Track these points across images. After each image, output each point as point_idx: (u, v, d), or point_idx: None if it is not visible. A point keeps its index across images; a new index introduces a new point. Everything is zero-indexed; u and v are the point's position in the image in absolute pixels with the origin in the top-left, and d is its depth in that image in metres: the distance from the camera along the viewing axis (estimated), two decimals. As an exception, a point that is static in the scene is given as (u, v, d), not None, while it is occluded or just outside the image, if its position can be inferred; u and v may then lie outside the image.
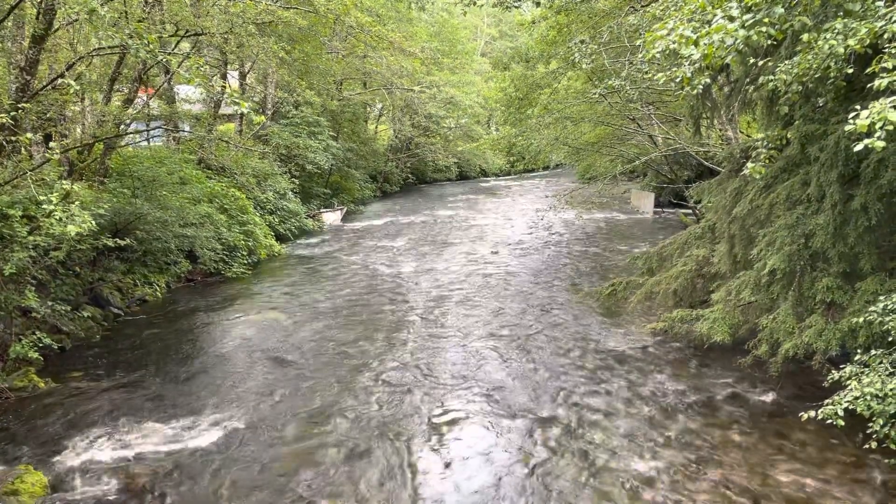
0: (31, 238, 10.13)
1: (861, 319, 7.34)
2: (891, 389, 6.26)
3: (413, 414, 9.73)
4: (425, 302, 16.22)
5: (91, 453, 8.60)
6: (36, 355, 10.71)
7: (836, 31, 6.23)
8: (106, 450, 8.70)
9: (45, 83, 12.83)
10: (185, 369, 11.79)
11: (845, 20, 6.27)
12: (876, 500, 7.21)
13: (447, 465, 8.23)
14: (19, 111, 10.17)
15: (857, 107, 5.44)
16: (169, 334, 13.93)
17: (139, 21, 12.58)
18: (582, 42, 15.56)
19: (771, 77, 7.27)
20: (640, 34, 12.52)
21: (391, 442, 8.85)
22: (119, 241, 12.88)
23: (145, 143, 21.59)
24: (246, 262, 20.18)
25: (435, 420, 9.52)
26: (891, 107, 5.13)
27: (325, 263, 21.73)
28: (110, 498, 7.62)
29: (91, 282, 14.77)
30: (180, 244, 17.62)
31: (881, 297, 7.24)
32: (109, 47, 12.36)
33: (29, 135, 9.56)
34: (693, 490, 7.51)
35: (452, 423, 9.44)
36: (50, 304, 11.87)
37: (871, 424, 6.45)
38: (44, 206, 9.14)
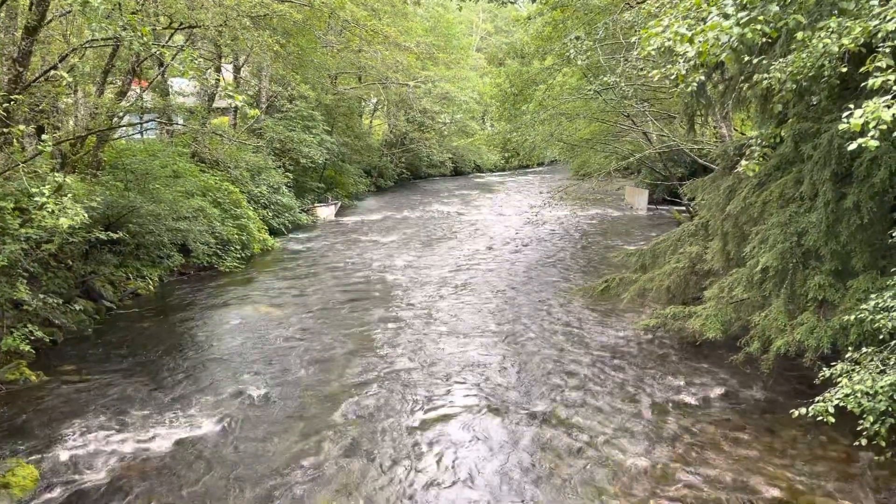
0: (22, 230, 10.08)
1: (852, 317, 7.37)
2: (881, 387, 6.29)
3: (406, 406, 9.74)
4: (418, 297, 16.22)
5: (83, 446, 8.58)
6: (27, 348, 10.66)
7: (831, 29, 6.24)
8: (98, 443, 8.68)
9: (37, 75, 12.74)
10: (178, 362, 11.77)
11: (840, 19, 6.28)
12: (865, 496, 7.26)
13: (439, 455, 8.25)
14: (11, 103, 10.10)
15: (851, 105, 5.45)
16: (162, 328, 13.90)
17: (133, 13, 12.48)
18: (577, 38, 15.59)
19: (765, 75, 7.28)
20: (636, 31, 12.54)
21: (386, 432, 8.86)
22: (111, 234, 12.82)
23: (138, 135, 21.50)
24: (239, 255, 20.13)
25: (427, 414, 9.53)
26: (884, 106, 5.15)
27: (318, 258, 21.69)
28: (102, 491, 7.61)
29: (83, 275, 14.70)
30: (173, 237, 17.56)
31: (872, 295, 7.27)
32: (103, 39, 12.24)
33: (21, 126, 9.51)
34: (683, 485, 7.55)
35: (445, 416, 9.45)
36: (42, 296, 11.80)
37: (861, 421, 6.48)
38: (36, 199, 9.07)
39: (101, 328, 13.71)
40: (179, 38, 18.21)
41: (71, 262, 14.34)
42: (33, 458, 8.22)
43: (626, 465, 8.02)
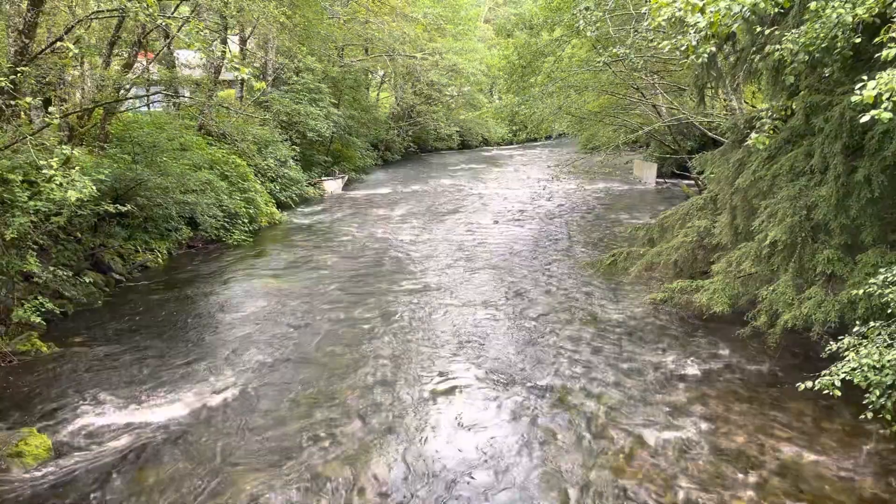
0: (31, 203, 10.12)
1: (861, 291, 7.35)
2: (888, 361, 6.30)
3: (412, 378, 9.81)
4: (426, 269, 16.25)
5: (94, 416, 8.70)
6: (38, 320, 10.76)
7: (845, -1, 6.15)
8: (109, 413, 8.80)
9: (43, 47, 12.70)
10: (187, 334, 11.87)
11: (854, -12, 6.18)
12: (870, 469, 7.30)
13: (447, 426, 8.32)
14: (18, 75, 10.08)
15: (864, 77, 5.39)
16: (171, 300, 13.99)
17: (138, -17, 12.40)
18: (587, 9, 15.37)
19: (777, 46, 7.19)
20: (646, 1, 12.36)
21: (393, 404, 8.94)
22: (120, 207, 12.85)
23: (145, 108, 21.45)
24: (247, 229, 20.17)
25: (434, 387, 9.59)
26: (898, 77, 5.09)
27: (326, 231, 21.73)
28: (114, 460, 7.72)
29: (92, 247, 14.79)
30: (181, 211, 17.62)
31: (881, 270, 7.25)
32: (108, 10, 12.20)
33: (28, 99, 9.50)
34: (689, 457, 7.60)
35: (452, 389, 9.51)
36: (52, 269, 11.89)
37: (867, 395, 6.51)
38: (44, 171, 9.11)
39: (111, 300, 13.82)
40: (185, 10, 18.04)
41: (80, 235, 14.43)
42: (46, 427, 8.33)
43: (631, 438, 8.07)
